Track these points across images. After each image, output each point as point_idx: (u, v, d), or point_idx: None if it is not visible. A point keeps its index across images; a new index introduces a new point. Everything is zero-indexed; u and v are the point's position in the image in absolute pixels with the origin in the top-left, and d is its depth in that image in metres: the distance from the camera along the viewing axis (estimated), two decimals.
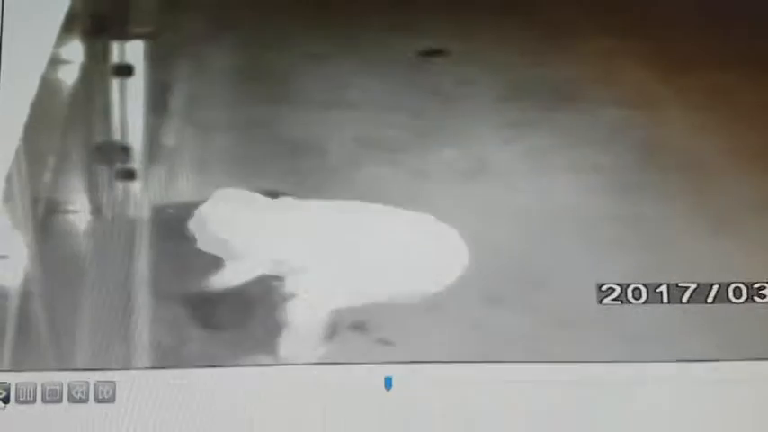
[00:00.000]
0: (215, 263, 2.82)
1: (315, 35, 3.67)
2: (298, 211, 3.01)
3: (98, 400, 2.06)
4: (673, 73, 3.74)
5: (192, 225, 2.75)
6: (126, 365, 2.13)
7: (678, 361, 2.39)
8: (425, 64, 3.63)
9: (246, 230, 2.68)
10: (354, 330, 2.70)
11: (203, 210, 2.85)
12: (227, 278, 2.51)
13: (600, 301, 2.72)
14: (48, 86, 2.21)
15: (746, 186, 3.27)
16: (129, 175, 2.69)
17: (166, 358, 2.37)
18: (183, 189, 3.00)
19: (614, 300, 2.75)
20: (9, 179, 2.18)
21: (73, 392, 2.05)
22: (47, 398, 2.03)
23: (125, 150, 2.67)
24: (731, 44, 4.01)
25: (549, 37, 3.55)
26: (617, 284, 2.73)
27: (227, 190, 2.90)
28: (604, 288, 2.76)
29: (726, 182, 3.25)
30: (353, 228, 2.91)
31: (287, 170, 3.14)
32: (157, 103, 3.14)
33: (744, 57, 3.80)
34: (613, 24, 3.85)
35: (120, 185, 2.68)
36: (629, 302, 2.73)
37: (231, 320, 2.64)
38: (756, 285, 2.65)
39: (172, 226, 2.88)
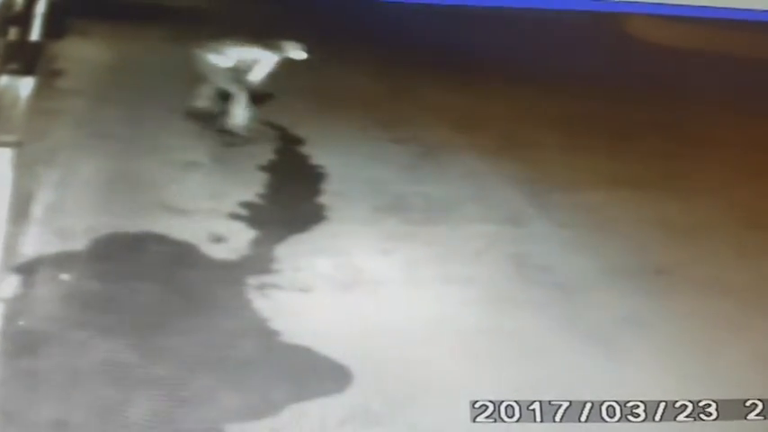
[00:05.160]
0: (63, 385, 2.67)
1: (186, 145, 3.61)
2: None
3: None
4: (540, 191, 3.77)
5: None
6: None
7: None
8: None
9: None
10: None
11: None
12: None
13: (474, 419, 2.66)
14: None
15: (616, 302, 3.29)
16: None
17: None
18: (38, 299, 2.89)
19: (488, 418, 2.71)
20: None
21: None
22: None
23: None
24: (597, 164, 4.06)
25: (423, 155, 3.58)
26: (490, 402, 2.69)
27: None
28: (478, 405, 2.72)
29: (596, 297, 3.27)
30: None
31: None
32: (19, 211, 3.05)
33: (609, 176, 3.86)
34: (483, 144, 3.91)
35: None
36: (503, 420, 2.68)
37: None
38: (630, 404, 2.62)
39: (24, 340, 2.75)
